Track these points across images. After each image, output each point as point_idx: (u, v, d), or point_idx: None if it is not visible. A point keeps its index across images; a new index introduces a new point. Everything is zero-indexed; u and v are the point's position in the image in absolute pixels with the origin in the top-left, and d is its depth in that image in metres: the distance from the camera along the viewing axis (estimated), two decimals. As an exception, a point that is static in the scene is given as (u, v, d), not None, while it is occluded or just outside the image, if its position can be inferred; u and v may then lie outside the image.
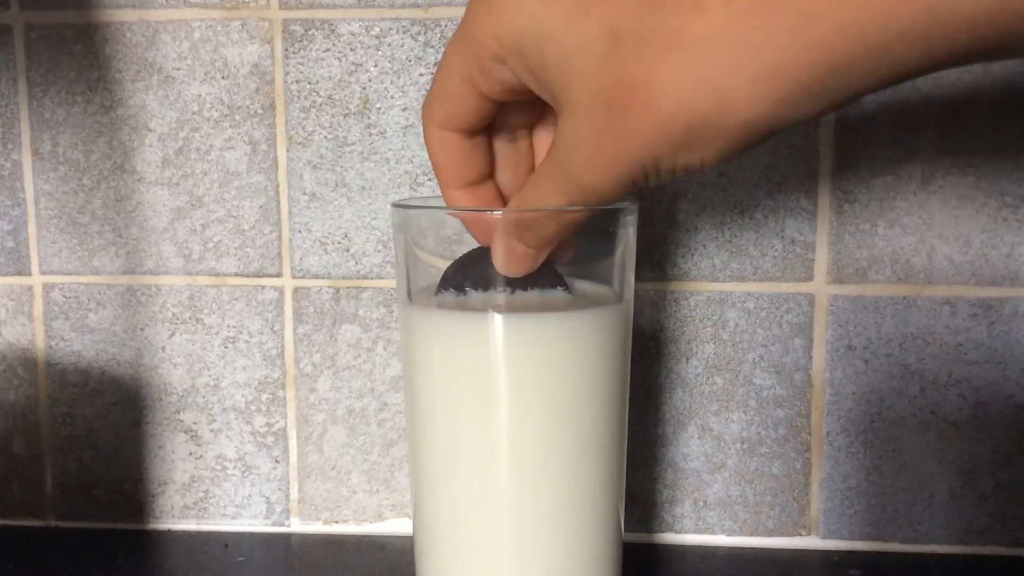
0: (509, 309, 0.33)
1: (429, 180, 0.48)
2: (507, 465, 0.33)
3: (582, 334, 0.33)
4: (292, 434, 0.51)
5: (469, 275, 0.34)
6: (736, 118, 0.26)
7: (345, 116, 0.48)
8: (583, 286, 0.35)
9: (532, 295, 0.33)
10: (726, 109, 0.26)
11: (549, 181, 0.31)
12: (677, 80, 0.26)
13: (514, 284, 0.33)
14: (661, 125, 0.27)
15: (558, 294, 0.34)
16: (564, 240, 0.33)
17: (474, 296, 0.33)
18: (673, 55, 0.26)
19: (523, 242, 0.32)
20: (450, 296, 0.34)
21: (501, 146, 0.34)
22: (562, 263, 0.34)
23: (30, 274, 0.50)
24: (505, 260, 0.33)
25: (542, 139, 0.35)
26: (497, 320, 0.33)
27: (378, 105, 0.48)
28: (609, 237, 0.35)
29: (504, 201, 0.35)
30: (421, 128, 0.47)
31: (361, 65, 0.48)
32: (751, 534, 0.49)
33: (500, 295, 0.33)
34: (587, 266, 0.35)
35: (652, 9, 0.26)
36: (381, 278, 0.49)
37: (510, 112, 0.33)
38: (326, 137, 0.48)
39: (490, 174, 0.34)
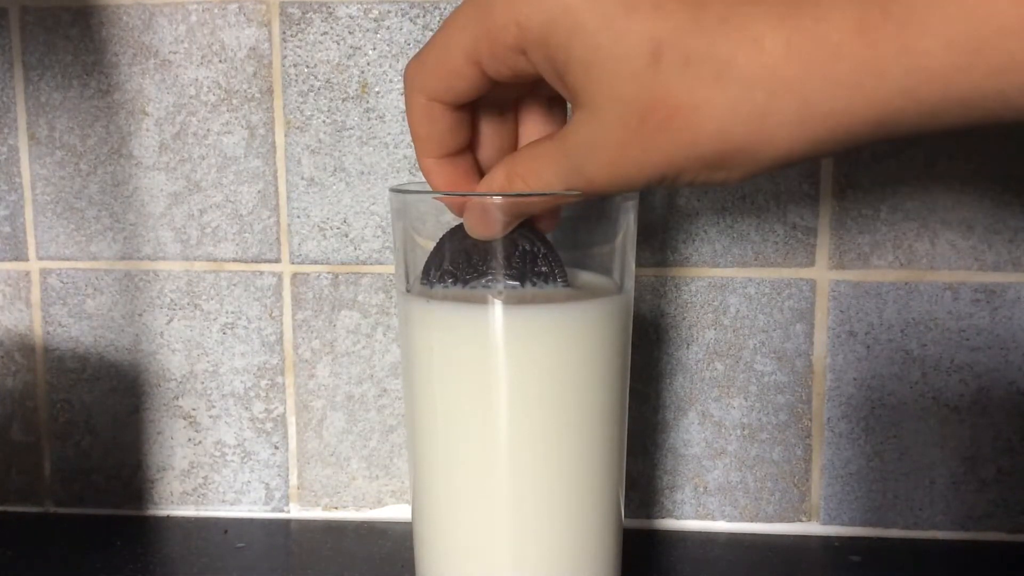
0: (509, 298, 0.33)
1: (428, 165, 0.48)
2: (506, 455, 0.33)
3: (582, 325, 0.33)
4: (291, 420, 0.50)
5: (456, 265, 0.33)
6: (774, 151, 0.26)
7: (344, 100, 0.48)
8: (583, 276, 0.35)
9: (528, 290, 0.33)
10: (766, 142, 0.26)
11: (551, 165, 0.30)
12: (721, 108, 0.26)
13: (509, 277, 0.33)
14: (694, 146, 0.26)
15: (557, 288, 0.33)
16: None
17: (470, 287, 0.33)
18: (721, 84, 0.25)
19: (502, 212, 0.31)
20: (439, 288, 0.33)
21: (486, 119, 0.34)
22: (549, 231, 0.34)
23: (27, 259, 0.50)
24: (474, 223, 0.32)
25: (529, 115, 0.34)
26: (497, 312, 0.32)
27: (377, 89, 0.48)
28: (610, 224, 0.34)
29: (481, 173, 0.34)
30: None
31: (360, 48, 0.47)
32: (751, 520, 0.49)
33: (496, 287, 0.33)
34: (587, 253, 0.35)
35: (700, 30, 0.26)
36: (380, 264, 0.49)
37: (502, 87, 0.32)
38: (324, 121, 0.48)
39: (469, 145, 0.34)
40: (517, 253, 0.33)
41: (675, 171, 0.27)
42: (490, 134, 0.34)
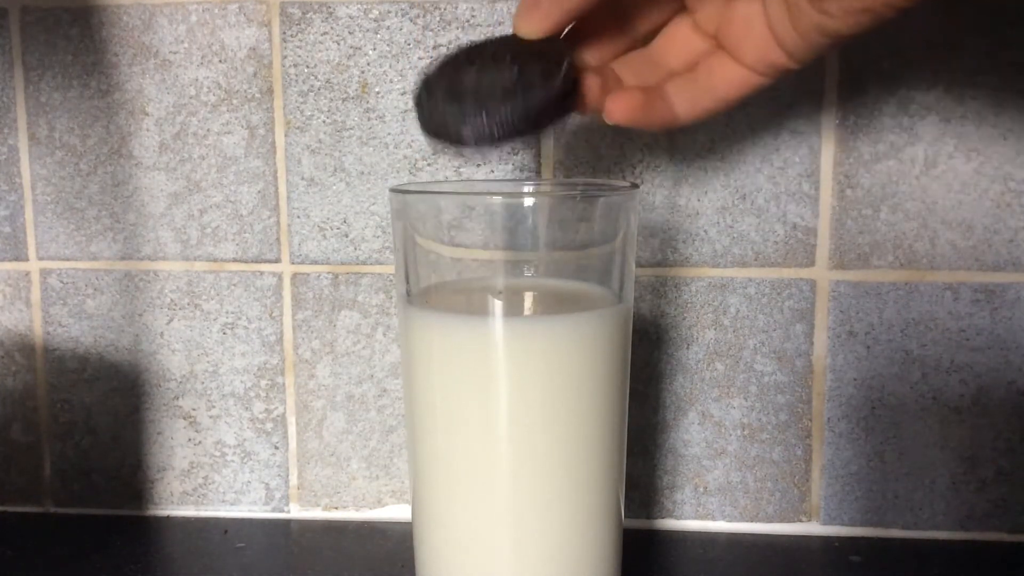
0: (508, 309, 0.33)
1: (429, 165, 0.48)
2: (506, 458, 0.33)
3: (581, 336, 0.33)
4: (291, 420, 0.50)
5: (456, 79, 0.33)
6: None
7: (344, 100, 0.48)
8: (582, 287, 0.35)
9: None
10: None
11: None
12: None
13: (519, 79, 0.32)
14: None
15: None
16: (580, 21, 0.33)
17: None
18: None
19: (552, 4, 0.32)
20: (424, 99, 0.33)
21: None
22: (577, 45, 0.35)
23: (27, 259, 0.50)
24: (524, 8, 0.33)
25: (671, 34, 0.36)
26: (497, 323, 0.32)
27: (377, 89, 0.48)
28: (609, 224, 0.34)
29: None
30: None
31: (360, 48, 0.47)
32: (752, 520, 0.49)
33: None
34: (586, 256, 0.35)
35: None
36: (380, 264, 0.49)
37: None
38: (324, 121, 0.48)
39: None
40: (539, 69, 0.32)
41: None
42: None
